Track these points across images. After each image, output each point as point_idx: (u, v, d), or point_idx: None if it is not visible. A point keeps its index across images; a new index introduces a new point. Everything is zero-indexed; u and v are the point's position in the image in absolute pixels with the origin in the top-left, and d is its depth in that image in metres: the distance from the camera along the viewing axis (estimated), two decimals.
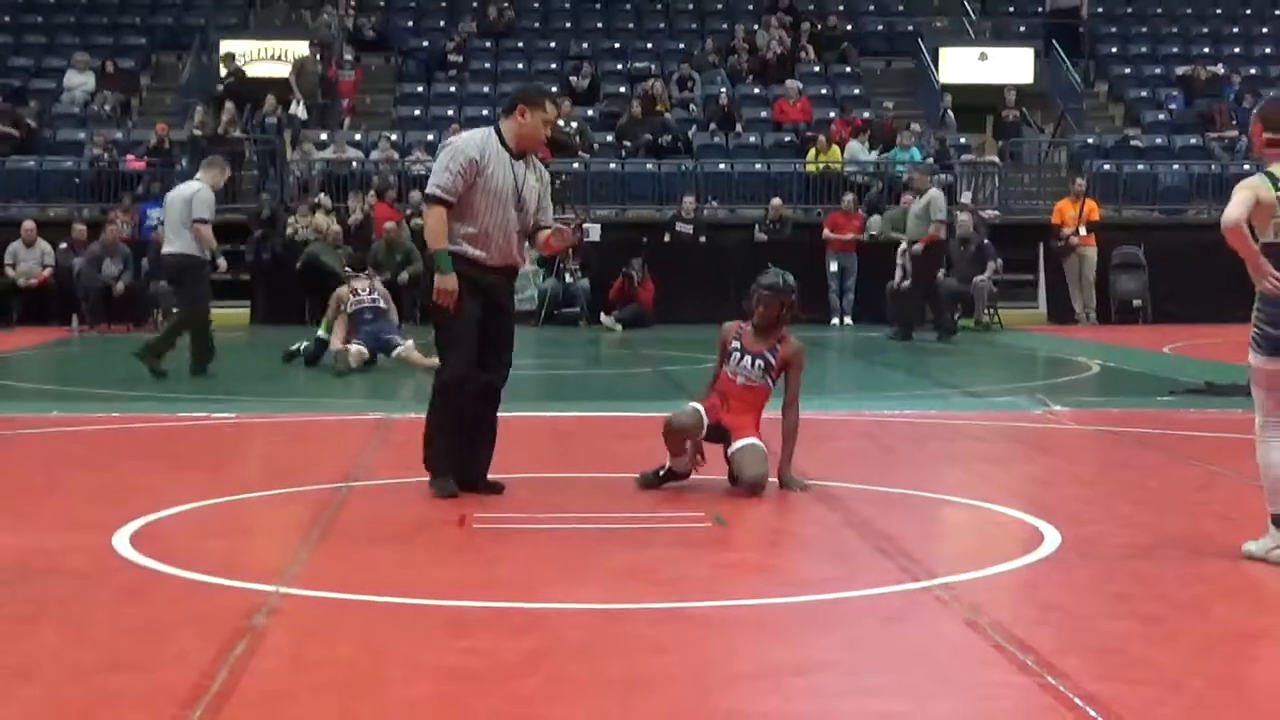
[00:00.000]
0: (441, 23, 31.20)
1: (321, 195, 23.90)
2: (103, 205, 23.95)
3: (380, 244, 21.70)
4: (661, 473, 8.31)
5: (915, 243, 20.11)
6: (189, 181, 15.30)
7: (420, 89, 28.79)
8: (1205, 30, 32.45)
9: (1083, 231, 23.02)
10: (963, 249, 21.46)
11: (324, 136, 26.21)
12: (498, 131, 7.99)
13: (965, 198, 25.04)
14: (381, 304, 15.78)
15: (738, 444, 8.21)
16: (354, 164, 25.30)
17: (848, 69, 30.11)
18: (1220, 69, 29.91)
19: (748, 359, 8.47)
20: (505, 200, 7.88)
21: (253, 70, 28.11)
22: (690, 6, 32.28)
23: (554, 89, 28.10)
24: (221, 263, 15.02)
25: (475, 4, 31.18)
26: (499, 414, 8.25)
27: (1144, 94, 30.02)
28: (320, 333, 15.94)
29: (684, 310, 21.83)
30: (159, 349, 14.43)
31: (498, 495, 7.99)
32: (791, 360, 8.55)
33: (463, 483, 8.01)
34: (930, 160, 25.19)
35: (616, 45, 30.88)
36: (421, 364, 14.73)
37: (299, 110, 27.01)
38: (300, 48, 28.31)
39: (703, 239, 23.71)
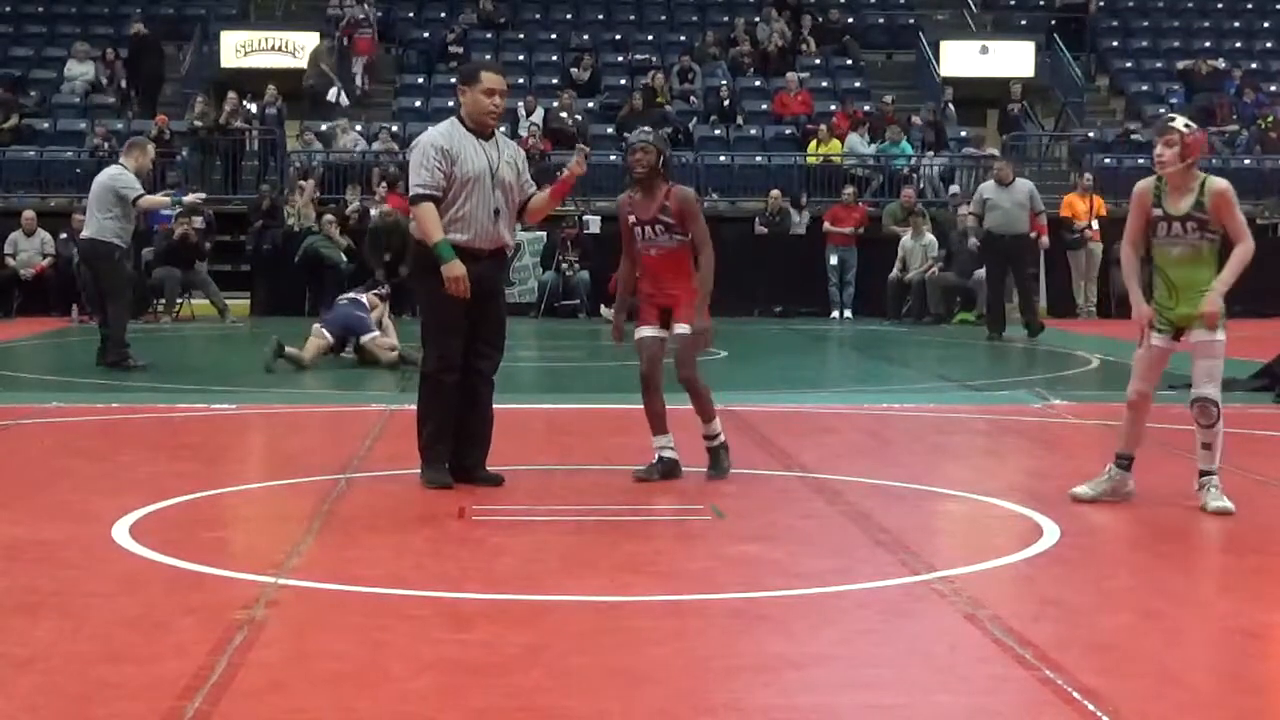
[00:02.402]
0: (442, 14, 31.19)
1: (303, 183, 23.75)
2: None
3: (371, 232, 21.56)
4: (657, 464, 8.29)
5: (1012, 235, 18.69)
6: (110, 165, 14.87)
7: (421, 80, 28.78)
8: (1207, 24, 32.44)
9: (1094, 226, 22.98)
10: (963, 243, 21.45)
11: (324, 128, 26.20)
12: (460, 120, 8.04)
13: (955, 190, 25.08)
14: (363, 299, 15.49)
15: (675, 330, 8.33)
16: (359, 153, 25.29)
17: (848, 62, 30.11)
18: (1221, 63, 29.90)
19: (648, 228, 8.33)
20: (483, 182, 7.90)
21: (253, 60, 28.11)
22: None
23: (554, 81, 28.16)
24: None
25: None
26: (496, 405, 8.25)
27: (1145, 88, 30.01)
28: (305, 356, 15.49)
29: None
30: (116, 353, 14.16)
31: (497, 487, 7.99)
32: (685, 209, 8.34)
33: (457, 472, 8.01)
34: (930, 152, 25.20)
35: (617, 37, 30.87)
36: (384, 358, 14.66)
37: (340, 97, 27.15)
38: (299, 37, 28.32)
39: None
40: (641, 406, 8.39)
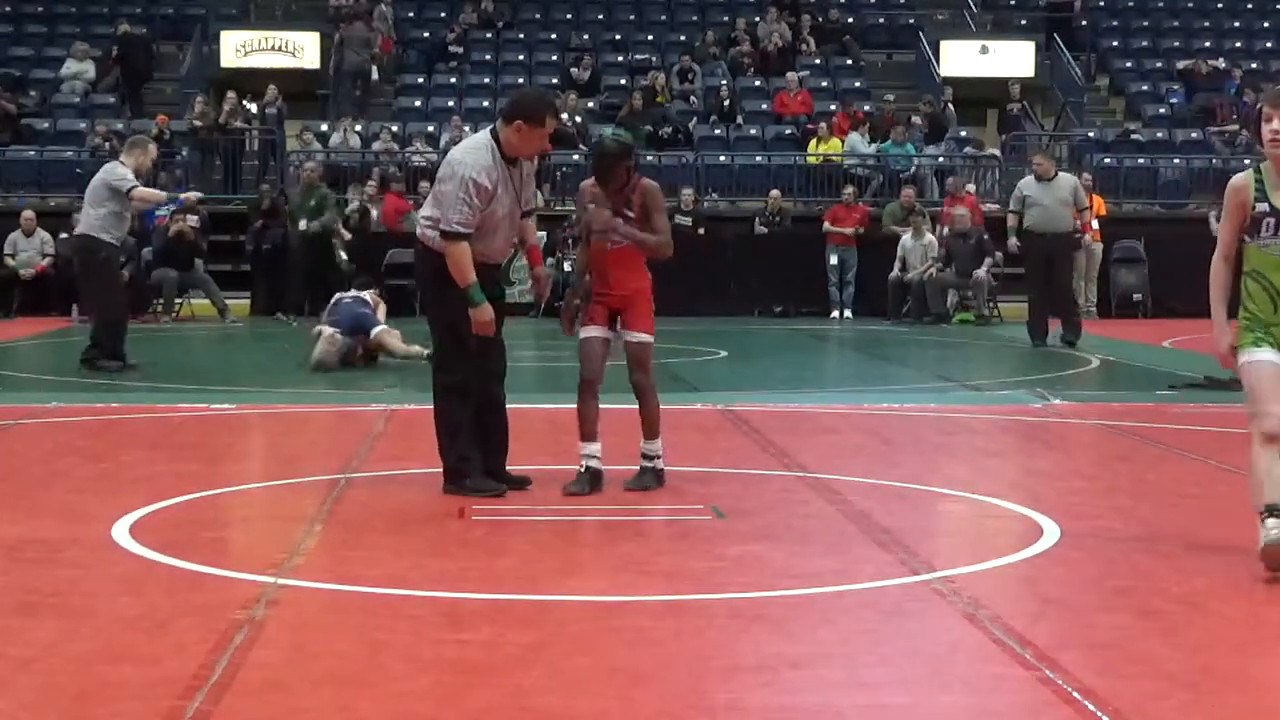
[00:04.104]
0: (442, 14, 31.20)
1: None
2: None
3: (299, 189, 21.55)
4: (585, 475, 7.97)
5: (1054, 234, 17.56)
6: (110, 162, 14.66)
7: (421, 80, 28.79)
8: (1206, 24, 32.44)
9: (1095, 225, 22.98)
10: (962, 242, 21.45)
11: (324, 127, 26.23)
12: (494, 135, 7.80)
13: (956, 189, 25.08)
14: (365, 297, 15.44)
15: (625, 337, 8.07)
16: (360, 154, 25.36)
17: (848, 61, 30.11)
18: (1221, 63, 29.89)
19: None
20: (511, 211, 7.83)
21: (253, 60, 28.13)
22: None
23: (554, 81, 28.16)
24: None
25: None
26: (513, 405, 8.20)
27: (1145, 88, 30.01)
28: (313, 359, 15.19)
29: (683, 303, 21.82)
30: (107, 352, 14.01)
31: (519, 490, 7.94)
32: (648, 202, 7.96)
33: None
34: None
35: (617, 37, 30.87)
36: (399, 350, 14.62)
37: (374, 72, 27.77)
38: (299, 37, 28.36)
39: (702, 231, 23.70)
40: (635, 407, 8.32)
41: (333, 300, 15.53)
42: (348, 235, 22.10)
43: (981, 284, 21.63)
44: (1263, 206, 6.27)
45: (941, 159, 26.37)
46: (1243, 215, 6.32)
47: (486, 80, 28.51)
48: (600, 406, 8.12)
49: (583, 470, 7.97)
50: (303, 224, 21.10)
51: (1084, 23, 31.19)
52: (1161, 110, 28.92)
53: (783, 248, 23.53)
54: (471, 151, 7.83)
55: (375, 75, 28.14)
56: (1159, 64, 30.86)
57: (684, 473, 8.41)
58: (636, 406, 8.11)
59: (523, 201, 7.96)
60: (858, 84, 29.20)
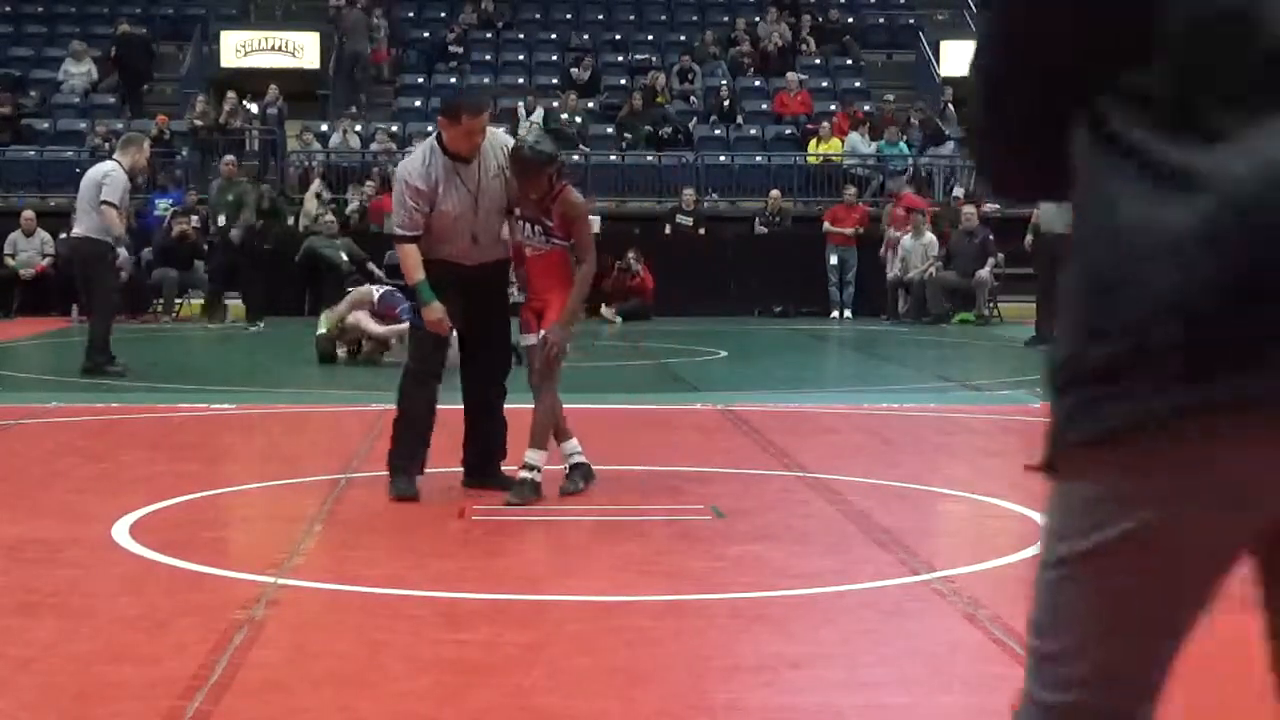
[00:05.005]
0: (442, 14, 31.21)
1: (317, 182, 23.88)
2: None
3: (217, 184, 21.22)
4: (576, 472, 7.86)
5: (1057, 235, 16.91)
6: (104, 161, 14.51)
7: (421, 80, 28.79)
8: None
9: None
10: (966, 241, 21.46)
11: (324, 127, 26.23)
12: (439, 138, 7.76)
13: (959, 192, 25.07)
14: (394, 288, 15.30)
15: (528, 340, 7.82)
16: (359, 154, 25.38)
17: (848, 61, 30.11)
18: None
19: (527, 226, 7.72)
20: (464, 213, 7.71)
21: (253, 60, 28.14)
22: None
23: (554, 81, 28.18)
24: (123, 252, 14.38)
25: None
26: (512, 406, 8.19)
27: None
28: (320, 330, 15.24)
29: (684, 303, 21.85)
30: (98, 357, 13.88)
31: (503, 489, 7.93)
32: (568, 214, 7.63)
33: (472, 474, 8.00)
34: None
35: (617, 37, 30.88)
36: (377, 332, 14.59)
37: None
38: (299, 37, 28.38)
39: (702, 231, 23.71)
40: (641, 407, 8.34)
41: (381, 295, 15.26)
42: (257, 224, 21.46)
43: (983, 284, 21.63)
44: None
45: (938, 164, 26.35)
46: None
47: (486, 80, 28.48)
48: (607, 407, 8.10)
49: (570, 470, 7.91)
50: (221, 220, 20.78)
51: None
52: None
53: (783, 248, 23.54)
54: (410, 158, 8.03)
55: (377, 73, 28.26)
56: None
57: (684, 473, 8.41)
58: (595, 406, 8.06)
59: (501, 196, 7.78)
60: (858, 84, 29.20)
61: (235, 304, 22.10)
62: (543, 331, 7.68)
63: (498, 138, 7.99)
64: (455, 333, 7.92)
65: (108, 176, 13.74)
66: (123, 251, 14.09)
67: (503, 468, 7.96)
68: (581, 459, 7.95)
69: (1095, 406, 1.83)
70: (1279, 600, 2.14)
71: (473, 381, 7.99)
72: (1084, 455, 1.87)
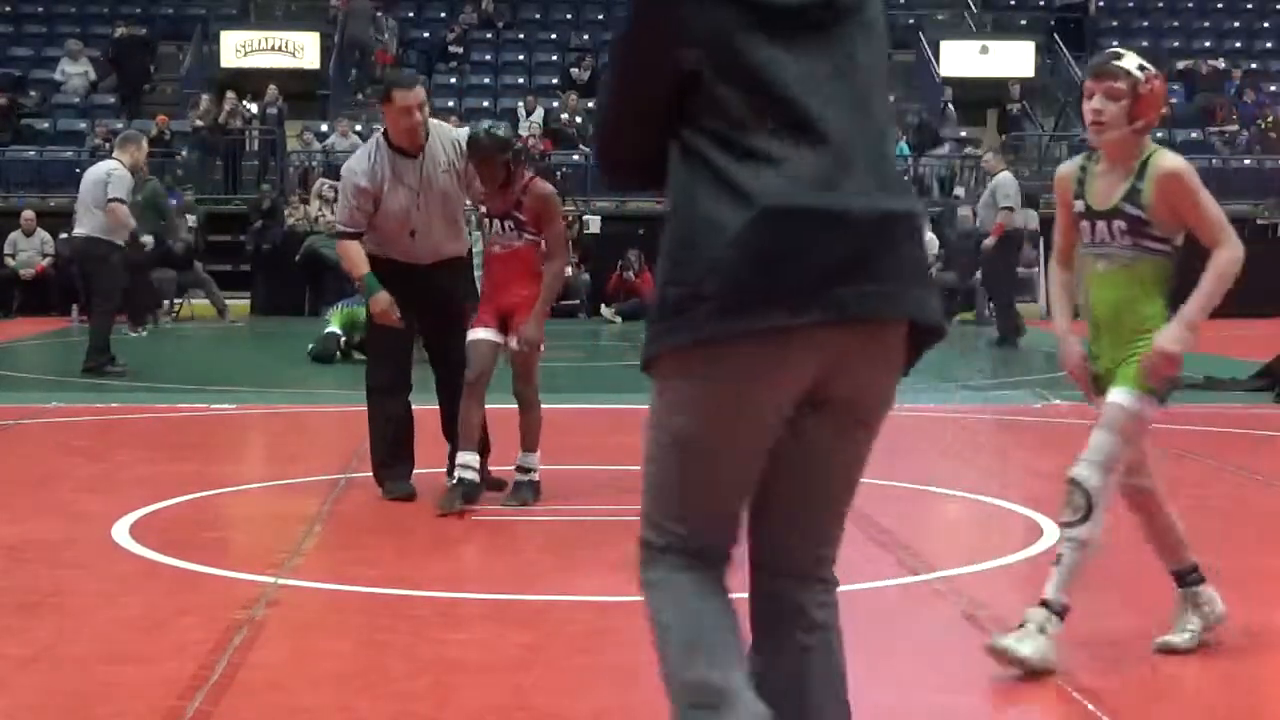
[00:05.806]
0: (442, 14, 31.19)
1: (321, 182, 23.84)
2: None
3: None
4: (458, 487, 7.45)
5: (986, 237, 18.26)
6: (105, 160, 14.49)
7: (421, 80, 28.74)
8: (1206, 24, 32.43)
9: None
10: (968, 242, 21.47)
11: (324, 127, 26.22)
12: (386, 139, 7.70)
13: (960, 192, 25.08)
14: None
15: (510, 342, 7.62)
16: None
17: None
18: (1221, 63, 29.88)
19: (497, 223, 7.60)
20: (407, 211, 7.65)
21: (253, 60, 28.13)
22: None
23: (554, 81, 28.15)
24: (147, 239, 14.35)
25: None
26: (493, 406, 8.17)
27: None
28: (331, 327, 15.18)
29: None
30: (99, 357, 13.87)
31: (498, 490, 7.92)
32: (539, 208, 7.51)
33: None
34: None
35: None
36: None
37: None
38: (299, 37, 28.38)
39: None
40: (641, 408, 8.28)
41: None
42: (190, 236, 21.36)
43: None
44: (1080, 205, 5.08)
45: (934, 166, 26.35)
46: (1067, 212, 5.14)
47: (486, 80, 28.48)
48: (607, 407, 8.08)
49: (454, 483, 7.47)
50: (146, 238, 20.58)
51: (1082, 24, 31.16)
52: (1161, 110, 28.88)
53: None
54: (356, 155, 7.97)
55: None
56: (1159, 64, 30.83)
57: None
58: (595, 406, 8.01)
59: (453, 191, 7.72)
60: None
61: (240, 303, 22.13)
62: (513, 339, 7.55)
63: (447, 131, 7.92)
64: (416, 341, 7.92)
65: (111, 175, 13.74)
66: (149, 239, 13.98)
67: (490, 470, 7.94)
68: (472, 475, 7.53)
69: (673, 329, 2.81)
70: (790, 444, 3.06)
71: (444, 383, 7.90)
72: (669, 360, 2.86)
